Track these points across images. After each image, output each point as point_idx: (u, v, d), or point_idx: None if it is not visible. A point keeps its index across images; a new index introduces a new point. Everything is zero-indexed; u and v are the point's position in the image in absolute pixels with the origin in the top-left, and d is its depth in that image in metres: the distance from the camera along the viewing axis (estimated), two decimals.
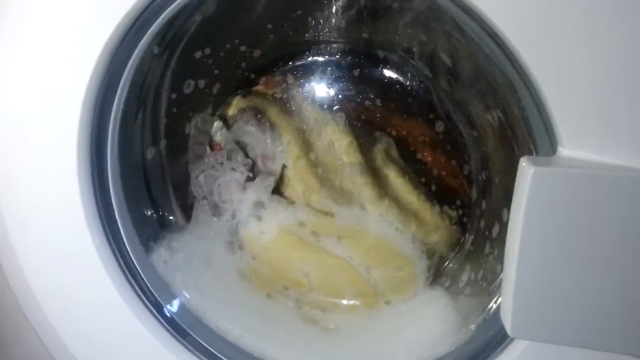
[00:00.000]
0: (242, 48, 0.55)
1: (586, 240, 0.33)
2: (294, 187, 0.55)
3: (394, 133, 0.57)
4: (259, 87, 0.59)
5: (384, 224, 0.53)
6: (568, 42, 0.32)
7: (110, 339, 0.48)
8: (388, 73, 0.57)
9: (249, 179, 0.56)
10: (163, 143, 0.55)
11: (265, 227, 0.55)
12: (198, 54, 0.52)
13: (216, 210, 0.57)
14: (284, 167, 0.55)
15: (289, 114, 0.56)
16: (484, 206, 0.54)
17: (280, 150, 0.55)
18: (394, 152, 0.57)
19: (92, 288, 0.47)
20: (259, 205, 0.55)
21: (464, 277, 0.52)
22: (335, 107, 0.56)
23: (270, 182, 0.55)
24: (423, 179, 0.57)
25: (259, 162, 0.57)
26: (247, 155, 0.57)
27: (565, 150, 0.33)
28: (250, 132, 0.56)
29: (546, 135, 0.34)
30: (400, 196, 0.54)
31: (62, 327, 0.49)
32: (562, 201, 0.32)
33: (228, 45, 0.55)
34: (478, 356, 0.43)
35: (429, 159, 0.56)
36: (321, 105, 0.57)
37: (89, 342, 0.49)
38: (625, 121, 0.32)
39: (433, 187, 0.56)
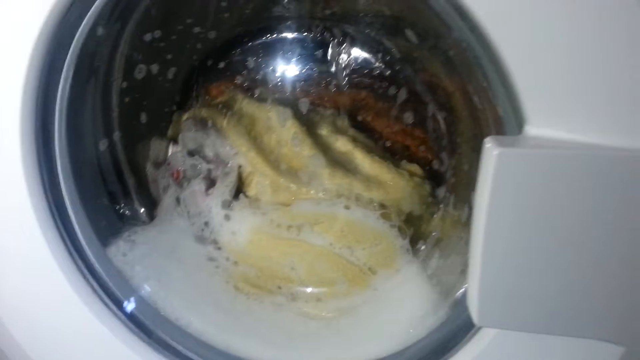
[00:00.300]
0: (196, 29, 0.53)
1: (554, 223, 0.31)
2: (256, 183, 0.54)
3: (360, 115, 0.56)
4: (204, 101, 0.58)
5: (350, 204, 0.53)
6: (534, 16, 0.30)
7: (69, 340, 0.46)
8: (353, 51, 0.55)
9: (210, 185, 0.55)
10: (117, 134, 0.52)
11: (237, 228, 0.54)
12: (148, 37, 0.49)
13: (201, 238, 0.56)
14: (240, 166, 0.55)
15: (239, 115, 0.55)
16: (452, 189, 0.53)
17: (232, 150, 0.54)
18: (342, 123, 0.56)
19: (47, 287, 0.45)
20: (226, 206, 0.54)
21: (434, 263, 0.51)
22: (292, 92, 0.56)
23: (231, 182, 0.54)
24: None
25: (215, 165, 0.56)
26: (201, 162, 0.56)
27: (532, 129, 0.32)
28: (198, 139, 0.56)
29: (513, 113, 0.33)
30: (356, 164, 0.54)
31: (17, 329, 0.46)
32: (529, 183, 0.30)
33: (180, 27, 0.52)
34: (448, 344, 0.42)
35: (394, 136, 0.56)
36: (276, 93, 0.55)
37: (48, 344, 0.47)
38: (593, 98, 0.30)
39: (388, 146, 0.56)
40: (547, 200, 0.31)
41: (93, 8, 0.39)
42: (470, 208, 0.44)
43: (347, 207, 0.53)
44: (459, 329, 0.41)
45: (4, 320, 0.46)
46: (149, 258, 0.51)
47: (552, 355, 0.37)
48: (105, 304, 0.47)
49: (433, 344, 0.43)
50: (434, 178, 0.56)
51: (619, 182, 0.29)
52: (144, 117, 0.54)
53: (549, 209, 0.31)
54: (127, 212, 0.55)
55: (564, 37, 0.30)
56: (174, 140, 0.58)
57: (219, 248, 0.55)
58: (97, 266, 0.47)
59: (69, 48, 0.41)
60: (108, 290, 0.47)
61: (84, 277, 0.46)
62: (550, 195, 0.30)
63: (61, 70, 0.41)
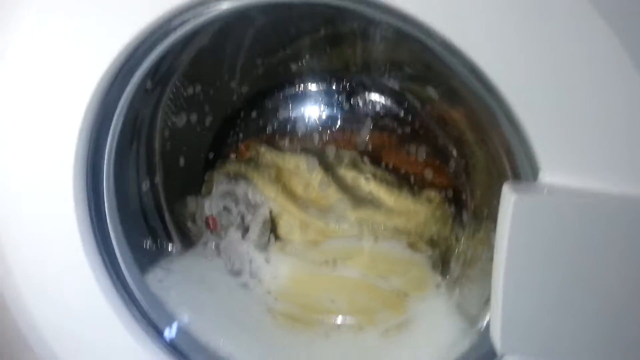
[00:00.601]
0: (232, 84, 0.56)
1: (568, 262, 0.34)
2: (286, 224, 0.58)
3: (380, 153, 0.59)
4: (233, 157, 0.62)
5: (376, 235, 0.56)
6: (547, 73, 0.32)
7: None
8: (372, 98, 0.58)
9: (245, 231, 0.58)
10: (158, 178, 0.56)
11: (277, 270, 0.57)
12: (189, 90, 0.53)
13: (237, 273, 0.59)
14: (270, 211, 0.58)
15: (266, 165, 0.59)
16: (472, 217, 0.55)
17: (262, 197, 0.58)
18: (362, 162, 0.59)
19: (93, 316, 0.47)
20: (262, 250, 0.58)
21: (461, 290, 0.53)
22: (315, 139, 0.59)
23: (264, 226, 0.58)
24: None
25: (247, 213, 0.59)
26: (235, 211, 0.59)
27: (546, 176, 0.34)
28: (230, 190, 0.59)
29: (527, 162, 0.35)
30: (378, 198, 0.57)
31: (64, 354, 0.49)
32: (543, 227, 0.33)
33: (217, 81, 0.55)
34: None
35: (413, 170, 0.59)
36: (300, 141, 0.59)
37: None
38: (604, 149, 0.33)
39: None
40: (560, 242, 0.33)
41: (142, 67, 0.43)
42: (489, 235, 0.47)
43: (374, 240, 0.56)
44: (483, 357, 0.43)
45: (52, 345, 0.49)
46: (183, 284, 0.54)
47: None
48: (146, 331, 0.49)
49: None
50: (457, 202, 0.58)
51: (628, 229, 0.32)
52: (182, 162, 0.58)
53: (563, 250, 0.33)
54: (165, 244, 0.58)
55: (575, 90, 0.32)
56: (205, 194, 0.61)
57: (259, 281, 0.58)
58: (136, 292, 0.50)
59: (119, 102, 0.44)
60: (148, 318, 0.50)
61: (127, 306, 0.48)
62: (563, 238, 0.33)
63: (112, 120, 0.45)
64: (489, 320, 0.43)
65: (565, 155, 0.33)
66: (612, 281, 0.33)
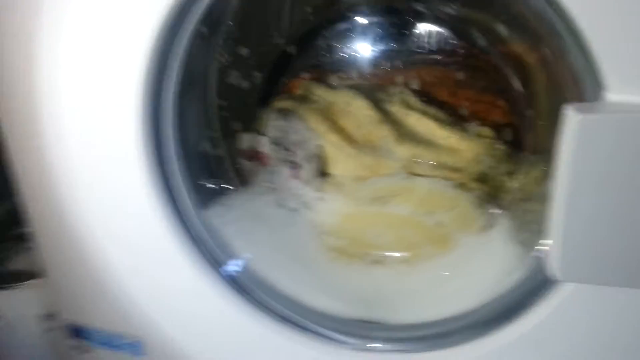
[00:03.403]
0: (282, 22, 0.56)
1: (633, 184, 0.32)
2: (337, 161, 0.58)
3: (431, 89, 0.58)
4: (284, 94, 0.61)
5: (424, 172, 0.56)
6: None
7: (174, 294, 0.51)
8: (424, 27, 0.56)
9: (297, 167, 0.59)
10: (216, 129, 0.57)
11: (329, 207, 0.58)
12: (239, 33, 0.53)
13: (290, 208, 0.59)
14: (320, 147, 0.58)
15: (316, 102, 0.59)
16: (529, 150, 0.53)
17: (313, 134, 0.58)
18: (412, 99, 0.58)
19: (157, 250, 0.50)
20: (313, 187, 0.58)
21: (514, 222, 0.52)
22: (364, 75, 0.58)
23: (315, 162, 0.58)
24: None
25: (298, 149, 0.59)
26: (286, 148, 0.60)
27: (611, 95, 0.32)
28: (281, 127, 0.59)
29: (592, 80, 0.33)
30: (427, 136, 0.56)
31: (133, 285, 0.52)
32: (609, 147, 0.31)
33: (266, 20, 0.55)
34: (525, 300, 0.43)
35: (466, 105, 0.57)
36: (349, 78, 0.58)
37: (158, 299, 0.52)
38: None
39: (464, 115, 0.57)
40: (627, 163, 0.32)
41: (191, 19, 0.44)
42: (548, 169, 0.45)
43: (422, 177, 0.55)
44: (539, 283, 0.42)
45: (123, 277, 0.52)
46: (241, 220, 0.55)
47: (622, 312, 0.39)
48: (209, 264, 0.51)
49: (512, 300, 0.45)
50: (512, 139, 0.56)
51: None
52: (237, 103, 0.58)
53: (629, 171, 0.32)
54: (224, 182, 0.59)
55: None
56: (261, 132, 0.61)
57: (311, 216, 0.58)
58: (198, 227, 0.51)
59: (176, 56, 0.46)
60: (210, 253, 0.52)
61: (192, 242, 0.50)
62: (630, 158, 0.32)
63: (170, 74, 0.46)
64: (548, 247, 0.43)
65: (631, 72, 0.31)
66: None
